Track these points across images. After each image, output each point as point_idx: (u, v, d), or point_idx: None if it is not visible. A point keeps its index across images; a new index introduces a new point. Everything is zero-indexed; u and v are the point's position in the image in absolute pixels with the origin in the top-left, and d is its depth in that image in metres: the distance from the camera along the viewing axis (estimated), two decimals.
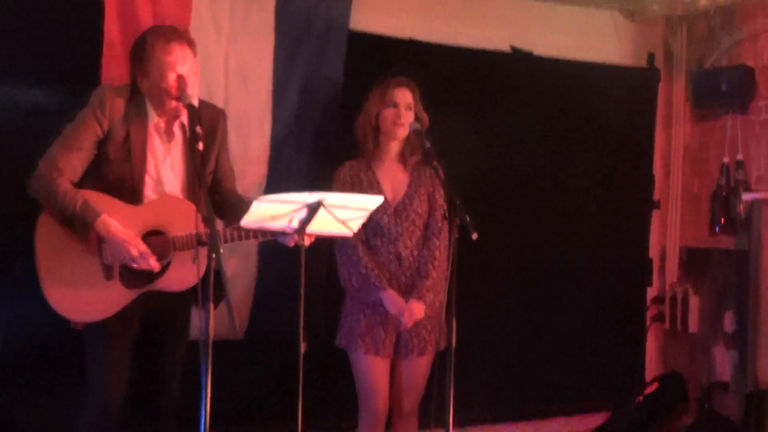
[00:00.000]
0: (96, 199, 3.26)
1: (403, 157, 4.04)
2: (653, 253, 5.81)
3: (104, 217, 3.22)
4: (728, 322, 5.31)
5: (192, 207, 3.34)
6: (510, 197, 5.20)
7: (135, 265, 3.26)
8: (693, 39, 5.62)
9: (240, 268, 4.34)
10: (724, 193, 5.28)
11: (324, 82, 4.55)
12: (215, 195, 3.55)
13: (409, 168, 4.04)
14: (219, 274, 2.87)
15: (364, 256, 3.88)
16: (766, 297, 4.99)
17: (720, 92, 5.26)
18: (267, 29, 4.41)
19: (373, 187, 3.95)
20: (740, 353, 5.18)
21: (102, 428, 3.37)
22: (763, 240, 4.98)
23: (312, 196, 3.10)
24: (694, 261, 5.60)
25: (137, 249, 3.24)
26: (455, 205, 3.38)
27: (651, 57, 5.71)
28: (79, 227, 3.25)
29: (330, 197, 3.14)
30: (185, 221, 3.28)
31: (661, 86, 5.75)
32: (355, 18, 4.62)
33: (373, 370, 3.94)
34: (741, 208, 5.11)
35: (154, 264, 3.28)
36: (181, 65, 3.33)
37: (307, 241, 3.24)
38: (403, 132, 3.95)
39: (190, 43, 3.41)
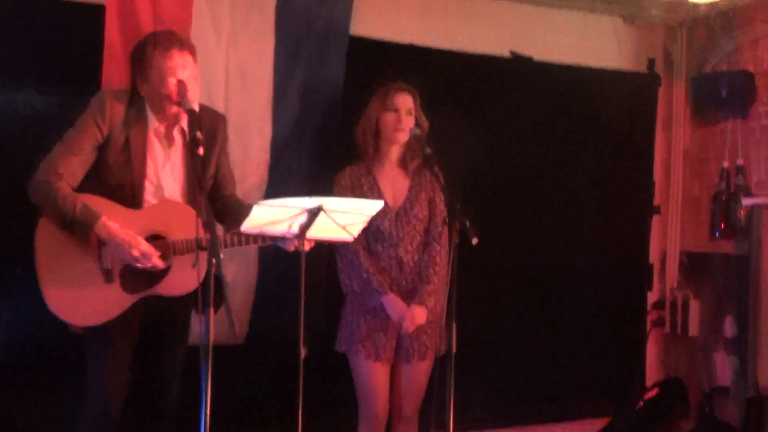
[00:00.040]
0: (95, 203, 3.27)
1: (403, 162, 4.05)
2: (653, 257, 5.80)
3: (104, 219, 3.23)
4: (728, 327, 5.31)
5: (192, 212, 3.35)
6: (510, 202, 5.20)
7: (139, 265, 3.27)
8: (693, 44, 5.63)
9: (240, 272, 4.34)
10: (724, 198, 5.28)
11: (324, 86, 4.55)
12: (215, 200, 3.56)
13: (410, 173, 4.04)
14: (219, 279, 2.87)
15: (365, 261, 3.89)
16: (767, 302, 4.99)
17: (720, 97, 5.27)
18: (267, 32, 4.41)
19: (373, 192, 3.95)
20: (741, 358, 5.17)
21: (101, 431, 3.37)
22: (764, 245, 4.98)
23: (312, 201, 3.10)
24: (694, 266, 5.60)
25: (138, 249, 3.24)
26: (455, 210, 3.39)
27: (651, 62, 5.71)
28: (79, 231, 3.25)
29: (330, 202, 3.15)
30: (185, 226, 3.29)
31: (661, 91, 5.75)
32: (355, 22, 4.63)
33: (373, 375, 3.94)
34: (741, 213, 5.11)
35: (157, 261, 3.29)
36: (182, 70, 3.34)
37: (307, 246, 3.25)
38: (403, 137, 3.96)
39: (191, 49, 3.43)
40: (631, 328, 5.73)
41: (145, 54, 3.37)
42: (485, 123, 5.06)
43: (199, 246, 3.20)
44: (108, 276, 3.31)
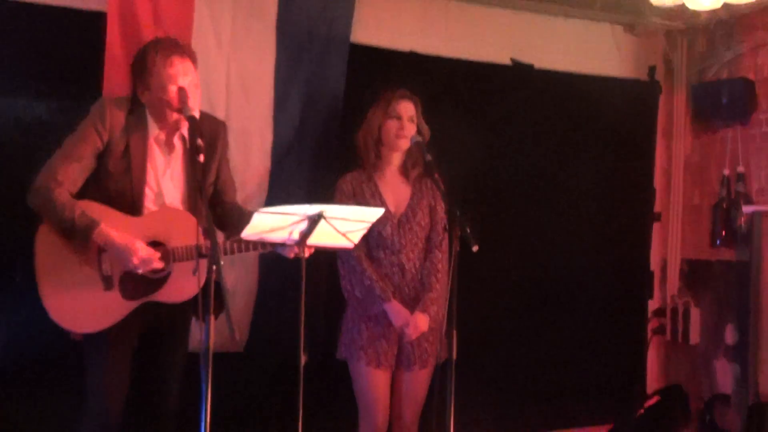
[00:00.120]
0: (95, 210, 3.28)
1: (404, 170, 4.06)
2: (654, 265, 5.80)
3: (103, 226, 3.23)
4: (729, 335, 5.30)
5: (192, 219, 3.35)
6: (511, 209, 5.20)
7: (140, 271, 3.27)
8: (693, 52, 5.64)
9: (240, 279, 4.34)
10: (724, 206, 5.29)
11: (325, 94, 4.56)
12: (216, 207, 3.57)
13: (411, 180, 4.05)
14: (219, 286, 2.87)
15: (368, 268, 3.89)
16: (767, 309, 4.98)
17: (720, 105, 5.27)
18: (268, 39, 4.42)
19: (375, 198, 3.96)
20: (741, 365, 5.17)
21: None
22: (764, 252, 4.98)
23: (313, 208, 3.11)
24: (695, 273, 5.60)
25: (138, 256, 3.25)
26: (456, 217, 3.39)
27: (651, 70, 5.72)
28: (78, 238, 3.25)
29: (330, 209, 3.15)
30: (185, 233, 3.29)
31: (661, 99, 5.76)
32: (356, 30, 4.64)
33: (374, 382, 3.94)
34: (742, 220, 5.12)
35: (157, 264, 3.29)
36: (182, 77, 3.35)
37: (306, 253, 3.25)
38: (405, 144, 3.96)
39: (191, 56, 3.44)
40: (631, 336, 5.72)
41: (146, 61, 3.38)
42: (486, 130, 5.07)
43: (199, 253, 3.21)
44: (108, 283, 3.31)
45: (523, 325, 5.23)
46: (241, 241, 3.30)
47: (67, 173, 3.28)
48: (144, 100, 3.40)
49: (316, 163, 4.54)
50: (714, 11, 4.84)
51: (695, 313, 5.52)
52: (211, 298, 2.84)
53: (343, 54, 4.58)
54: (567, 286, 5.35)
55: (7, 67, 3.98)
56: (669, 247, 5.72)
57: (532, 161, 5.27)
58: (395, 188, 4.03)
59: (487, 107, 5.12)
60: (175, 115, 3.34)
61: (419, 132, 4.00)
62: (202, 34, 4.23)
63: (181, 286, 3.33)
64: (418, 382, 4.00)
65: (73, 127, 3.37)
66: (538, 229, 5.28)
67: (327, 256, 3.99)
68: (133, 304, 3.33)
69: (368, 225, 3.33)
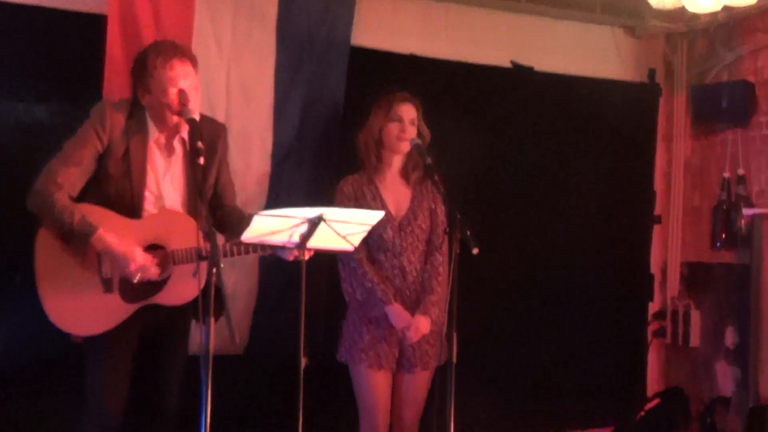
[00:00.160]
0: (95, 213, 3.28)
1: (405, 173, 4.06)
2: (654, 267, 5.80)
3: (101, 231, 3.23)
4: (730, 337, 5.30)
5: (192, 221, 3.35)
6: (511, 212, 5.21)
7: (135, 279, 3.27)
8: (694, 55, 5.64)
9: (240, 282, 4.35)
10: (725, 208, 5.29)
11: (325, 98, 4.56)
12: (215, 209, 3.56)
13: (411, 183, 4.05)
14: (219, 289, 2.88)
15: (369, 270, 3.89)
16: (767, 311, 4.98)
17: (721, 107, 5.27)
18: (268, 42, 4.43)
19: (376, 201, 3.96)
20: (742, 368, 5.16)
21: None
22: (764, 255, 4.98)
23: (313, 211, 3.11)
24: (695, 276, 5.59)
25: (135, 263, 3.25)
26: (456, 220, 3.40)
27: (652, 72, 5.72)
28: (77, 242, 3.25)
29: (331, 212, 3.15)
30: (185, 236, 3.29)
31: (661, 101, 5.76)
32: (356, 33, 4.64)
33: (375, 385, 3.93)
34: (742, 222, 5.12)
35: (154, 272, 3.29)
36: (183, 80, 3.35)
37: (306, 256, 3.25)
38: (406, 147, 3.96)
39: (192, 59, 3.44)
40: (632, 338, 5.72)
41: (146, 64, 3.38)
42: (486, 133, 5.08)
43: (199, 255, 3.21)
44: (107, 285, 3.31)
45: (524, 327, 5.23)
46: (241, 243, 3.30)
47: (67, 176, 3.28)
48: (144, 102, 3.40)
49: (316, 166, 4.54)
50: (714, 14, 4.84)
51: (695, 316, 5.52)
52: (211, 300, 2.84)
53: (343, 57, 4.59)
54: (567, 289, 5.35)
55: (8, 70, 3.99)
56: (669, 250, 5.72)
57: (533, 164, 5.27)
58: (396, 191, 4.03)
59: (488, 110, 5.13)
60: (175, 118, 3.34)
61: (420, 135, 4.00)
62: (203, 37, 4.24)
63: (181, 289, 3.33)
64: (418, 384, 4.00)
65: (74, 129, 3.37)
66: (539, 231, 5.28)
67: (327, 259, 3.99)
68: (133, 307, 3.33)
69: (368, 228, 3.33)
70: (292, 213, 3.08)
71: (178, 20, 4.16)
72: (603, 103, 5.42)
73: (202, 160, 3.16)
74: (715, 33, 5.45)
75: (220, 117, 4.17)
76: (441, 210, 4.01)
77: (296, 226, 3.13)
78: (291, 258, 3.33)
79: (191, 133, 3.23)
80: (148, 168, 3.39)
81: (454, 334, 3.39)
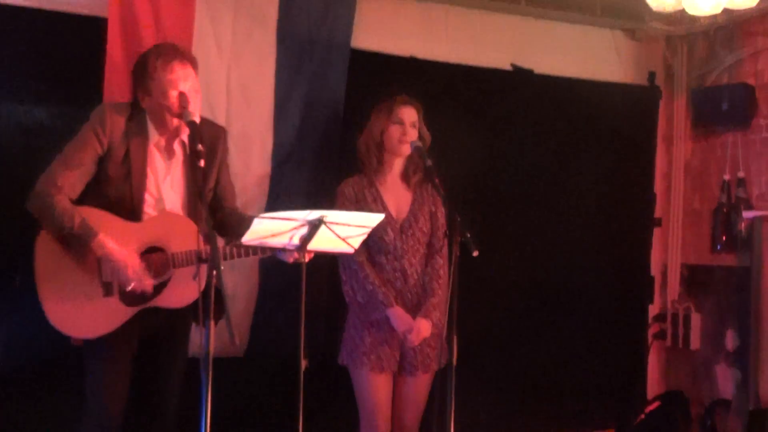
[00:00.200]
0: (94, 216, 3.28)
1: (406, 176, 4.06)
2: (655, 270, 5.80)
3: (101, 236, 3.23)
4: (730, 340, 5.30)
5: (192, 224, 3.35)
6: (511, 214, 5.21)
7: (130, 288, 3.26)
8: (694, 57, 5.64)
9: (241, 284, 4.34)
10: (725, 211, 5.30)
11: (326, 98, 4.56)
12: (216, 212, 3.57)
13: (412, 186, 4.05)
14: (219, 291, 2.88)
15: (370, 273, 3.89)
16: None
17: (721, 110, 5.28)
18: (269, 45, 4.43)
19: (377, 204, 3.96)
20: (742, 371, 5.16)
21: None
22: (765, 257, 4.98)
23: (313, 214, 3.11)
24: (695, 278, 5.59)
25: (134, 270, 3.25)
26: (456, 222, 3.40)
27: (652, 75, 5.72)
28: (76, 246, 3.25)
29: (331, 214, 3.15)
30: (185, 238, 3.29)
31: (661, 104, 5.77)
32: (356, 36, 4.64)
33: (376, 388, 3.93)
34: (742, 225, 5.12)
35: (148, 285, 3.29)
36: (183, 83, 3.35)
37: (306, 258, 3.25)
38: (407, 149, 3.96)
39: (192, 61, 3.44)
40: (632, 341, 5.72)
41: (147, 66, 3.38)
42: (486, 135, 5.08)
43: (199, 258, 3.20)
44: (107, 289, 3.31)
45: (524, 330, 5.23)
46: (241, 246, 3.30)
47: (67, 179, 3.28)
48: (144, 105, 3.40)
49: (316, 168, 4.54)
50: (714, 17, 4.84)
51: (696, 319, 5.52)
52: (212, 303, 2.84)
53: (343, 59, 4.59)
54: (568, 291, 5.35)
55: (9, 72, 3.98)
56: (669, 252, 5.72)
57: (533, 166, 5.27)
58: (397, 194, 4.03)
59: (488, 112, 5.13)
60: (175, 121, 3.34)
61: (420, 138, 4.00)
62: (203, 40, 4.24)
63: (181, 292, 3.33)
64: (419, 387, 4.00)
65: (74, 132, 3.37)
66: (539, 233, 5.28)
67: (327, 261, 3.99)
68: (132, 310, 3.33)
69: (368, 230, 3.33)
70: (292, 215, 3.09)
71: (178, 22, 4.16)
72: (603, 106, 5.42)
73: (202, 163, 3.16)
74: (715, 35, 5.45)
75: (221, 118, 4.17)
76: (441, 213, 4.01)
77: (296, 228, 3.13)
78: (291, 260, 3.33)
79: (191, 136, 3.23)
80: (148, 171, 3.39)
81: (455, 337, 3.39)
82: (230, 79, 4.34)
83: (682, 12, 4.58)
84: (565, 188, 5.37)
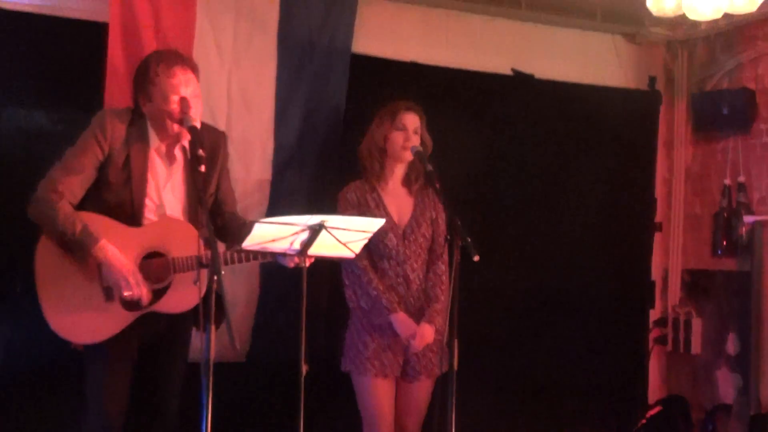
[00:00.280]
0: (95, 221, 3.28)
1: (408, 181, 4.05)
2: (655, 275, 5.80)
3: (102, 242, 3.23)
4: (731, 344, 5.30)
5: (192, 229, 3.35)
6: (511, 219, 5.21)
7: (126, 295, 3.26)
8: (694, 62, 5.65)
9: (241, 289, 4.34)
10: (725, 216, 5.30)
11: (326, 103, 4.56)
12: (216, 217, 3.57)
13: (414, 192, 4.05)
14: (220, 296, 2.87)
15: (374, 278, 3.88)
16: None
17: (721, 115, 5.28)
18: (270, 50, 4.44)
19: (379, 209, 3.96)
20: (743, 375, 5.16)
21: None
22: (765, 262, 4.98)
23: (314, 218, 3.11)
24: (696, 283, 5.59)
25: (132, 278, 3.25)
26: (456, 227, 3.40)
27: (652, 80, 5.72)
28: (77, 252, 3.25)
29: (332, 219, 3.15)
30: (186, 243, 3.29)
31: (662, 109, 5.76)
32: (357, 41, 4.65)
33: (380, 394, 3.92)
34: (743, 230, 5.12)
35: (144, 295, 3.29)
36: (184, 88, 3.35)
37: (307, 262, 3.25)
38: (409, 155, 3.96)
39: (193, 67, 3.44)
40: (633, 346, 5.72)
41: (148, 72, 3.38)
42: (487, 140, 5.08)
43: (200, 263, 3.20)
44: (108, 294, 3.30)
45: (525, 334, 5.22)
46: (241, 251, 3.30)
47: (68, 185, 3.28)
48: (145, 110, 3.40)
49: (317, 173, 4.54)
50: (714, 21, 4.85)
51: (697, 323, 5.52)
52: (212, 308, 2.84)
53: (344, 64, 4.59)
54: (568, 296, 5.34)
55: (10, 76, 3.99)
56: (670, 257, 5.72)
57: (534, 170, 5.27)
58: (398, 199, 4.03)
59: (488, 117, 5.13)
60: (176, 127, 3.34)
61: (422, 143, 3.99)
62: (204, 45, 4.24)
63: (182, 297, 3.33)
64: (422, 392, 3.99)
65: (75, 137, 3.37)
66: (540, 237, 5.28)
67: (328, 266, 3.99)
68: (133, 315, 3.32)
69: (369, 235, 3.33)
70: (293, 220, 3.09)
71: (179, 27, 4.17)
72: (603, 111, 5.42)
73: (203, 168, 3.16)
74: (716, 40, 5.45)
75: (221, 123, 4.17)
76: (442, 218, 4.01)
77: (297, 233, 3.13)
78: (292, 265, 3.33)
79: (192, 141, 3.23)
80: (149, 176, 3.39)
81: (456, 342, 3.39)
82: (231, 84, 4.35)
83: (683, 17, 4.57)
84: (566, 193, 5.37)
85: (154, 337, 3.44)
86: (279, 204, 4.37)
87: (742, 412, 5.13)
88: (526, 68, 5.25)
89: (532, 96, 5.26)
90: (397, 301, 3.88)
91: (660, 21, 5.20)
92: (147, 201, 3.39)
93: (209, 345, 2.83)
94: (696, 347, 5.50)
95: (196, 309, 3.11)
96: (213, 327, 2.85)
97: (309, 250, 3.19)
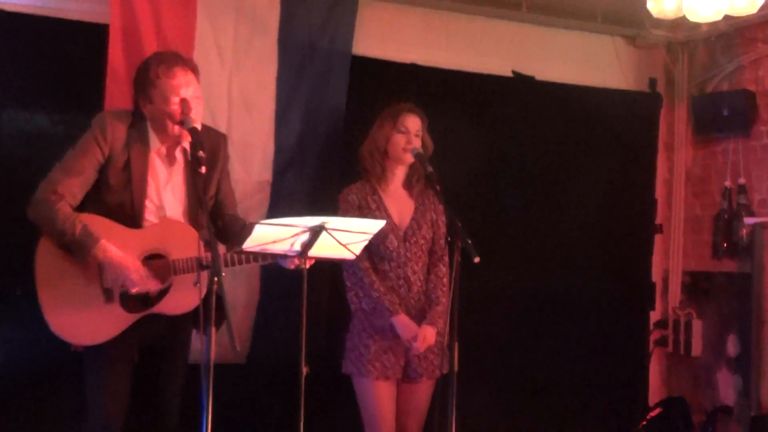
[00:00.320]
0: (96, 223, 3.28)
1: (408, 184, 4.05)
2: (656, 277, 5.80)
3: (103, 242, 3.23)
4: (731, 346, 5.29)
5: (193, 231, 3.35)
6: (512, 221, 5.21)
7: (134, 290, 3.27)
8: (694, 64, 5.65)
9: (242, 291, 4.35)
10: (726, 217, 5.30)
11: (327, 105, 4.57)
12: (217, 219, 3.57)
13: (415, 195, 4.05)
14: (220, 298, 2.87)
15: (375, 280, 3.88)
16: None
17: (721, 117, 5.28)
18: (270, 52, 4.44)
19: (380, 211, 3.96)
20: (744, 377, 5.16)
21: None
22: (766, 264, 4.98)
23: (314, 220, 3.11)
24: (696, 285, 5.59)
25: (137, 273, 3.25)
26: (457, 229, 3.40)
27: (653, 82, 5.72)
28: (78, 252, 3.25)
29: (332, 221, 3.16)
30: (186, 245, 3.29)
31: (662, 111, 5.77)
32: (357, 43, 4.65)
33: (381, 396, 3.91)
34: (743, 232, 5.12)
35: (153, 286, 3.29)
36: (185, 89, 3.35)
37: (307, 264, 3.25)
38: (410, 158, 3.96)
39: (193, 68, 3.44)
40: (633, 348, 5.71)
41: (148, 73, 3.38)
42: (487, 142, 5.08)
43: (200, 265, 3.20)
44: (108, 295, 3.31)
45: (525, 336, 5.22)
46: (242, 252, 3.30)
47: (68, 186, 3.28)
48: (146, 112, 3.40)
49: (317, 175, 4.55)
50: (715, 23, 4.84)
51: (697, 325, 5.51)
52: (212, 309, 2.84)
53: (344, 66, 4.60)
54: (569, 297, 5.34)
55: (10, 78, 3.99)
56: (671, 259, 5.72)
57: (534, 173, 5.27)
58: (399, 202, 4.03)
59: (489, 119, 5.13)
60: (176, 129, 3.34)
61: (423, 146, 4.00)
62: (204, 47, 4.25)
63: (182, 299, 3.33)
64: (423, 393, 4.00)
65: (75, 139, 3.37)
66: (540, 239, 5.28)
67: (328, 267, 3.99)
68: (133, 317, 3.32)
69: (369, 237, 3.33)
70: (293, 222, 3.09)
71: (179, 29, 4.17)
72: (604, 113, 5.42)
73: (203, 170, 3.17)
74: (716, 42, 5.45)
75: (222, 125, 4.18)
76: (442, 220, 4.02)
77: (298, 234, 3.13)
78: (292, 266, 3.33)
79: (193, 143, 3.24)
80: (149, 178, 3.39)
81: (456, 344, 3.39)
82: (231, 86, 4.35)
83: (683, 19, 4.57)
84: (567, 194, 5.37)
85: (155, 339, 3.44)
86: (279, 205, 4.37)
87: (742, 413, 5.14)
88: (526, 70, 5.26)
89: (533, 98, 5.26)
90: (398, 302, 3.88)
91: (660, 23, 5.20)
92: (147, 203, 3.39)
93: (209, 346, 2.83)
94: (696, 349, 5.50)
95: (196, 310, 3.11)
96: (213, 328, 2.85)
97: (309, 252, 3.19)
